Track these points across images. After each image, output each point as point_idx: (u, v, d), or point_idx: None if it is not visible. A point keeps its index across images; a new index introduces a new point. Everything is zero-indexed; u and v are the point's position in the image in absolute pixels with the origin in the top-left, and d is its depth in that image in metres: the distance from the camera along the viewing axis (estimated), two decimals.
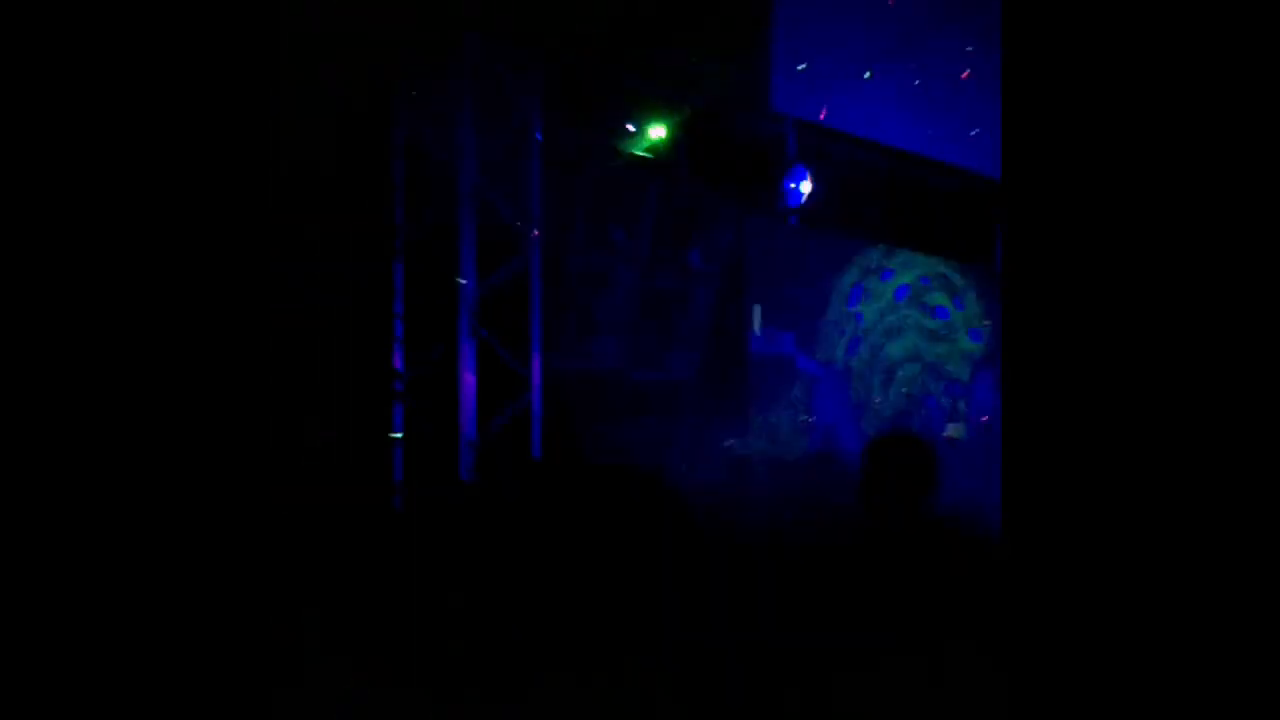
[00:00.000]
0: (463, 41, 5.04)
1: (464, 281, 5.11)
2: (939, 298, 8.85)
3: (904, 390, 8.43)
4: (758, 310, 6.99)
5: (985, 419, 9.08)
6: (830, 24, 6.50)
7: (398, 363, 5.27)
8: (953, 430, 8.87)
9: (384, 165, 5.13)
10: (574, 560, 3.30)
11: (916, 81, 6.75)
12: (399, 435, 5.26)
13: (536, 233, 5.39)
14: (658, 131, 6.03)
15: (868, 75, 6.45)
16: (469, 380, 5.33)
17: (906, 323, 8.52)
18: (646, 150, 6.02)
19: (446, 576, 3.10)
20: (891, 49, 6.70)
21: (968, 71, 6.90)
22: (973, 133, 6.79)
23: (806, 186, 6.49)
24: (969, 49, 6.84)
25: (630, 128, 5.95)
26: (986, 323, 9.16)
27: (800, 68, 6.33)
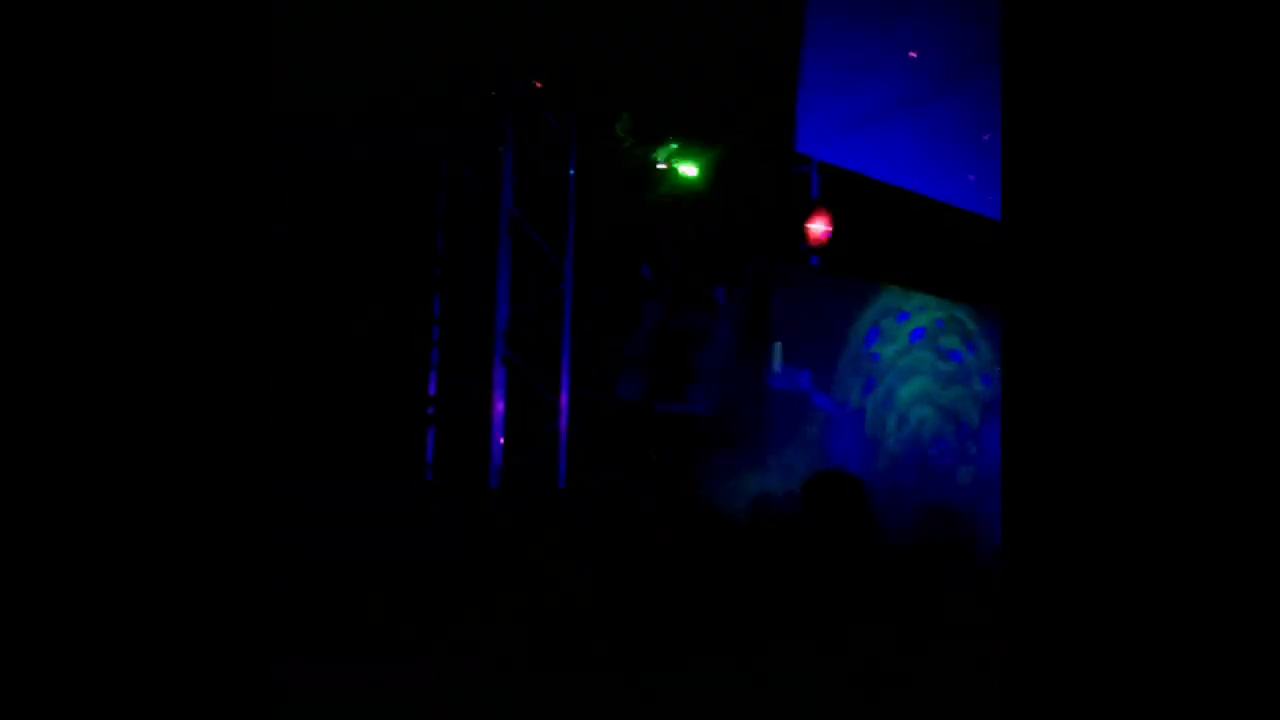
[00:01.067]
0: (507, 82, 5.24)
1: (499, 311, 5.26)
2: (953, 341, 8.96)
3: (916, 431, 8.53)
4: (778, 347, 7.12)
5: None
6: (856, 71, 6.69)
7: (431, 388, 5.41)
8: (964, 475, 8.95)
9: (429, 197, 5.30)
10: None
11: (938, 130, 6.93)
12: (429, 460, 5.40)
13: (570, 266, 5.56)
14: (688, 170, 6.21)
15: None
16: (498, 406, 5.47)
17: (921, 365, 8.62)
18: (676, 188, 6.20)
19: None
20: (915, 97, 6.89)
21: (987, 135, 7.08)
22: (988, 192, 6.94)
23: (827, 228, 6.66)
24: (987, 102, 7.03)
25: (661, 166, 6.13)
26: (998, 368, 9.28)
27: (825, 113, 6.52)
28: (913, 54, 6.84)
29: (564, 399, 5.58)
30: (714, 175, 6.34)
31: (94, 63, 1.43)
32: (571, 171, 5.66)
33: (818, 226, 6.72)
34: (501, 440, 5.44)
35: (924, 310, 8.55)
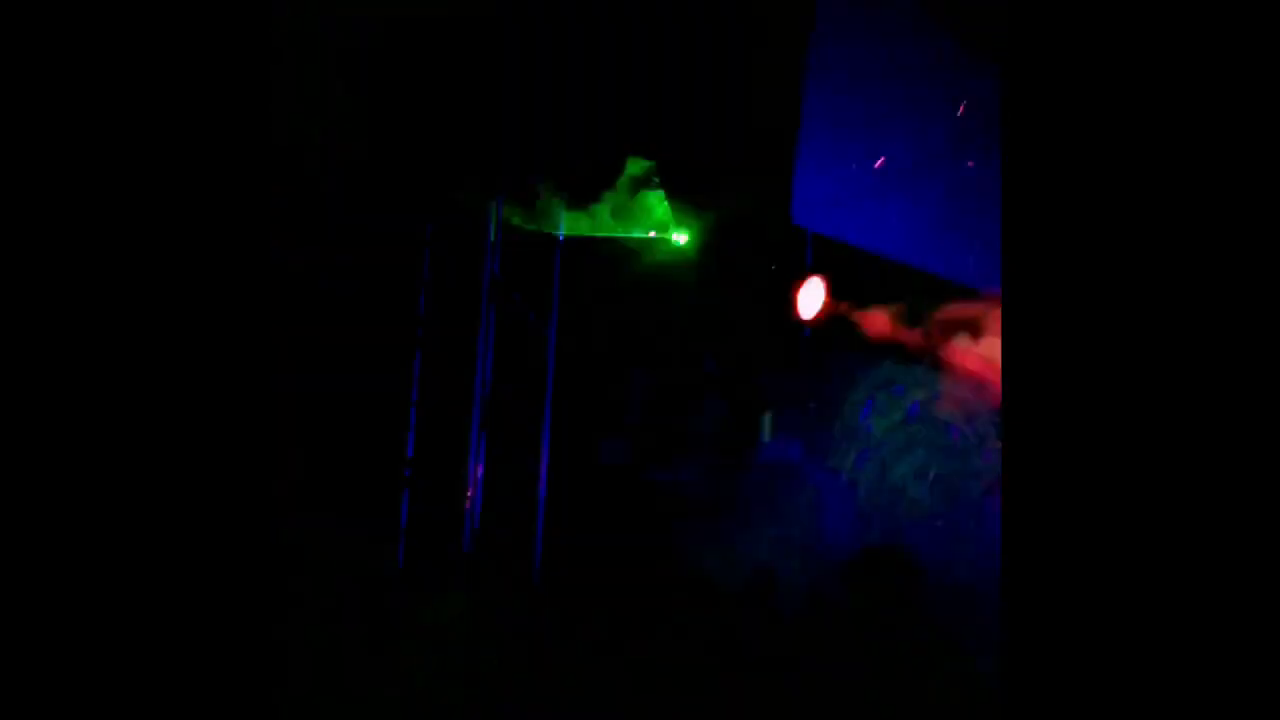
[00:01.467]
0: (495, 147, 5.26)
1: (479, 376, 5.23)
2: (952, 415, 8.84)
3: (912, 506, 8.39)
4: (768, 418, 7.05)
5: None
6: (851, 144, 6.71)
7: (409, 450, 5.36)
8: (960, 553, 8.77)
9: (412, 260, 5.31)
10: None
11: (935, 204, 6.92)
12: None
13: (553, 331, 5.53)
14: (680, 238, 6.21)
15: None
16: (477, 471, 5.41)
17: (918, 439, 8.50)
18: (666, 257, 6.20)
19: None
20: (912, 171, 6.89)
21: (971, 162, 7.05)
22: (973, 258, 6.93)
23: (821, 299, 6.64)
24: (975, 177, 7.03)
25: (652, 234, 6.13)
26: (999, 444, 9.13)
27: (820, 186, 6.53)
28: (877, 164, 6.86)
29: (544, 465, 5.52)
30: (707, 244, 6.34)
31: (109, 92, 1.48)
32: (560, 237, 5.66)
33: (810, 297, 6.70)
34: (479, 507, 5.38)
35: (921, 383, 8.46)
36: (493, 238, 5.31)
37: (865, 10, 6.56)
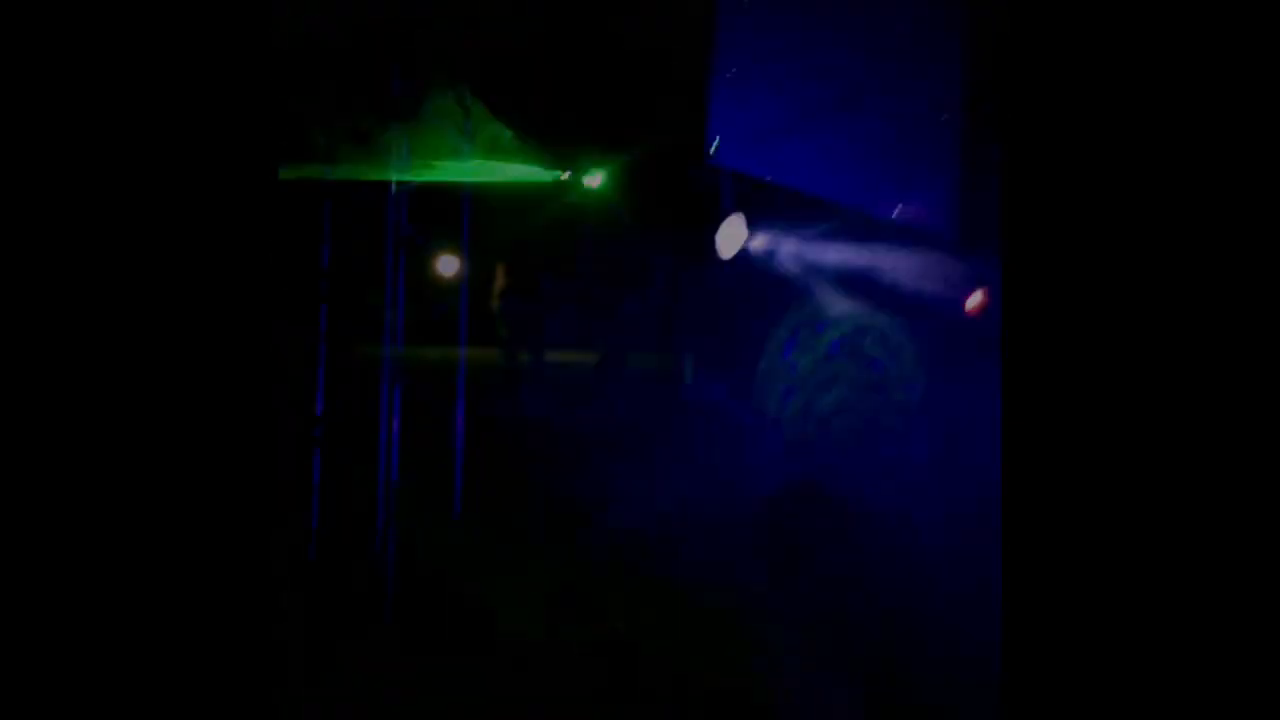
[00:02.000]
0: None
1: (389, 327, 5.08)
2: (875, 350, 8.91)
3: (835, 442, 8.46)
4: (689, 359, 7.02)
5: None
6: (768, 82, 6.60)
7: (318, 408, 5.21)
8: (886, 487, 8.90)
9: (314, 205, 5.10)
10: None
11: (850, 142, 6.86)
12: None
13: (465, 279, 5.39)
14: (593, 180, 6.07)
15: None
16: (394, 424, 5.29)
17: (841, 374, 8.56)
18: (581, 197, 6.06)
19: None
20: (829, 108, 6.81)
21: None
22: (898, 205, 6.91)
23: (740, 237, 6.58)
24: (903, 112, 6.97)
25: (564, 175, 5.98)
26: (923, 377, 9.23)
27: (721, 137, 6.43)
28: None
29: (460, 415, 5.41)
30: (623, 184, 6.21)
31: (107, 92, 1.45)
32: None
33: (731, 234, 6.64)
34: (398, 458, 5.27)
35: (843, 320, 8.49)
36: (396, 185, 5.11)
37: None
